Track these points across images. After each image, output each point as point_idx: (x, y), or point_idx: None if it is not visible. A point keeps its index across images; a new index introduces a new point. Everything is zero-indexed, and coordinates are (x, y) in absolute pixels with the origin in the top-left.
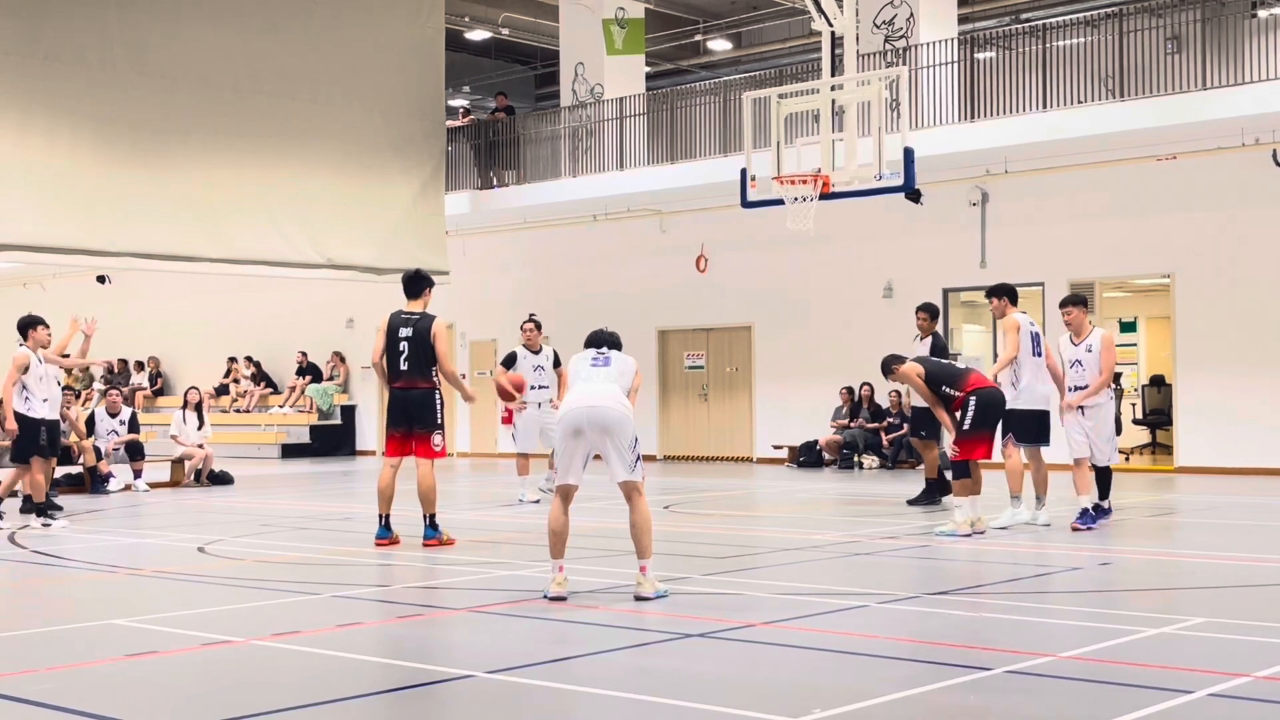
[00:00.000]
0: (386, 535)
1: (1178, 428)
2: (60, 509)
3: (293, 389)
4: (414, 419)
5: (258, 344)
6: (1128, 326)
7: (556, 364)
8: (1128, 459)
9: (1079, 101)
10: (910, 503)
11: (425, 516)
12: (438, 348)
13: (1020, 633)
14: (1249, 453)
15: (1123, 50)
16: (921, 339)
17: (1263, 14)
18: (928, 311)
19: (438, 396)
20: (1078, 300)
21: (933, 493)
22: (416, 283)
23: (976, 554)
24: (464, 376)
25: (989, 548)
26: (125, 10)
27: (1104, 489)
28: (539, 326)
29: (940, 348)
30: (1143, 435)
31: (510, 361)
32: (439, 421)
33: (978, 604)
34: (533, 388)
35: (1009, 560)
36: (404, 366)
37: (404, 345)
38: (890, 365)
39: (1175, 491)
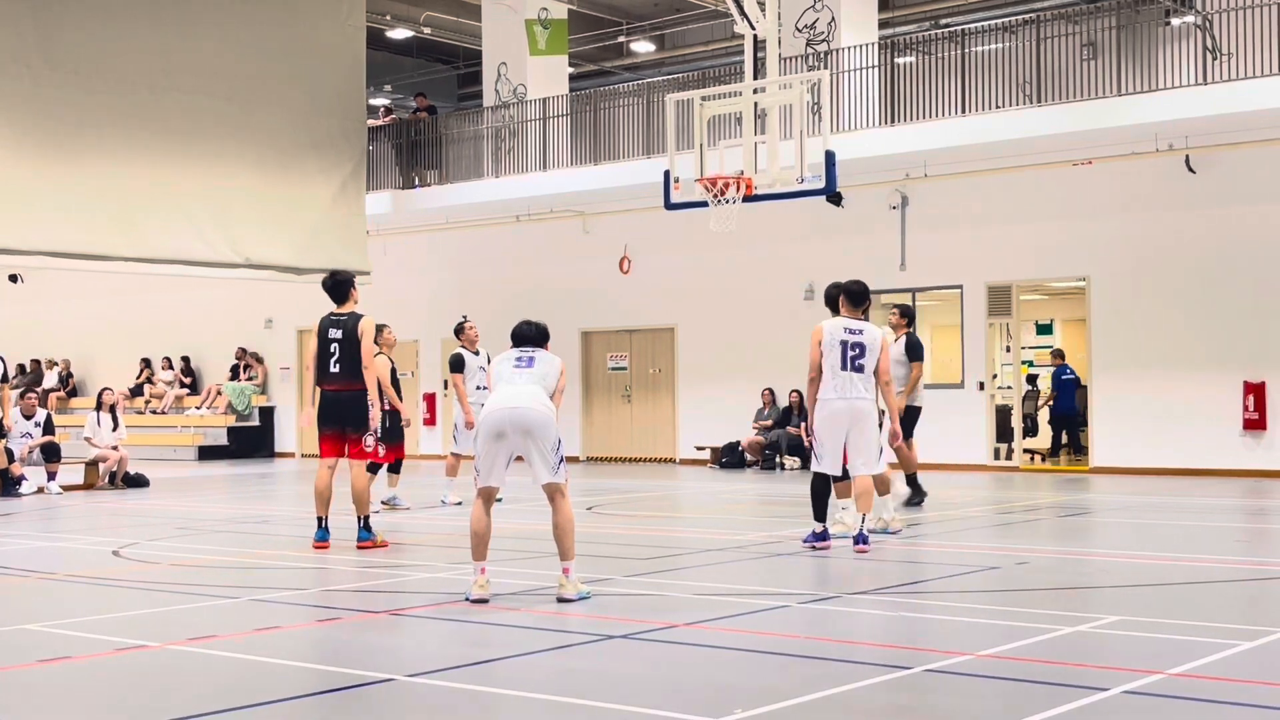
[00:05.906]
0: (325, 538)
1: (1093, 429)
2: None
3: (209, 392)
4: (345, 421)
5: (173, 345)
6: (1044, 329)
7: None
8: (1044, 459)
9: (997, 107)
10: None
11: (359, 519)
12: (363, 345)
13: (938, 632)
14: (1163, 453)
15: (1040, 57)
16: (896, 339)
17: (1175, 22)
18: (901, 311)
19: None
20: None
21: (919, 490)
22: (340, 287)
23: (895, 554)
24: None
25: (908, 548)
26: (39, 5)
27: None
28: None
29: (914, 346)
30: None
31: (459, 363)
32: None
33: (897, 604)
34: (477, 388)
35: (927, 560)
36: (335, 369)
37: (334, 347)
38: None
39: (1090, 491)
